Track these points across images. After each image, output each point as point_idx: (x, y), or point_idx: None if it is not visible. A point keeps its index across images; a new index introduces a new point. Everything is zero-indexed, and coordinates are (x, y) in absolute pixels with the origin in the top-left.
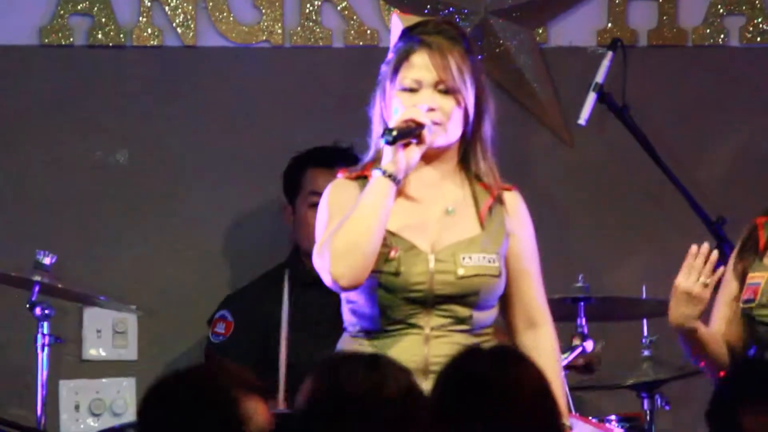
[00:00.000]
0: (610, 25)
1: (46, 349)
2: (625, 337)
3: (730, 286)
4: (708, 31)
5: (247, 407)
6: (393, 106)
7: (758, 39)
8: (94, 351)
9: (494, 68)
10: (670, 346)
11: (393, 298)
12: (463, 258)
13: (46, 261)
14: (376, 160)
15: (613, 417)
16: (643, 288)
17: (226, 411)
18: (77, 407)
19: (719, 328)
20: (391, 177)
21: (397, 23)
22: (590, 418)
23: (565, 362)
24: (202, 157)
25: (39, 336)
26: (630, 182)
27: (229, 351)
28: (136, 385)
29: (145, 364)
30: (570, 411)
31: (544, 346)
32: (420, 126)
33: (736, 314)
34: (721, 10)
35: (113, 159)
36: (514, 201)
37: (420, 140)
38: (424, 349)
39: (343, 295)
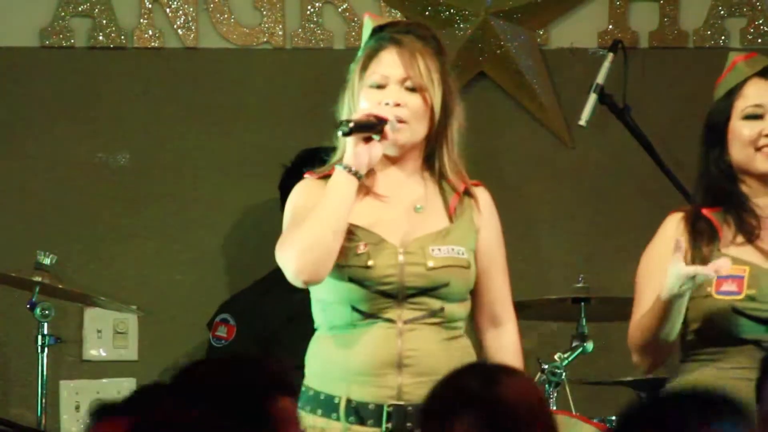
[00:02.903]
0: (611, 26)
1: (46, 349)
2: (626, 337)
3: None
4: (709, 32)
5: (281, 408)
6: (360, 103)
7: (759, 41)
8: (95, 351)
9: (495, 70)
10: None
11: (364, 292)
12: (432, 250)
13: (47, 261)
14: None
15: (613, 417)
16: None
17: (258, 409)
18: (78, 407)
19: None
20: (352, 171)
21: (368, 24)
22: (591, 418)
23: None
24: (202, 158)
25: (39, 336)
26: (631, 183)
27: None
28: (136, 386)
29: (146, 365)
30: (570, 411)
31: (507, 345)
32: (382, 121)
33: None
34: (722, 12)
35: (114, 160)
36: (483, 197)
37: (382, 136)
38: (397, 342)
39: (313, 294)
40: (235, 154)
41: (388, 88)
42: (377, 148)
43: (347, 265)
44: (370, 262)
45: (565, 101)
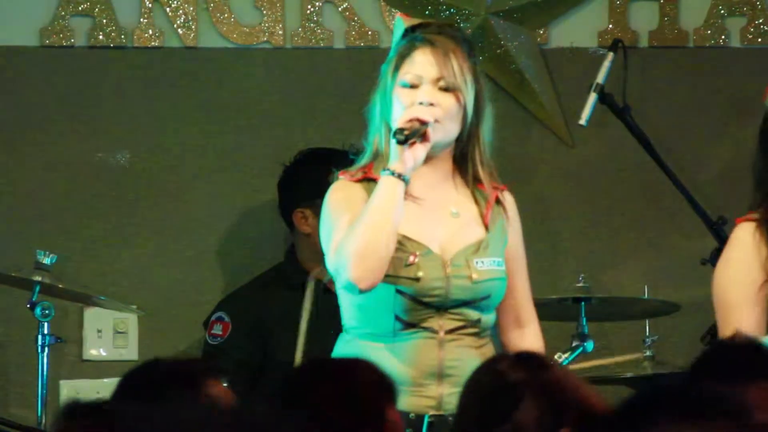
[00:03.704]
0: (611, 26)
1: (46, 349)
2: (627, 337)
3: (762, 284)
4: (709, 32)
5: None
6: (394, 103)
7: (759, 40)
8: (95, 351)
9: (495, 69)
10: (671, 346)
11: (409, 302)
12: (477, 262)
13: (47, 261)
14: (376, 161)
15: None
16: (645, 288)
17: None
18: None
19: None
20: (400, 177)
21: (399, 24)
22: None
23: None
24: (202, 157)
25: (39, 336)
26: (631, 182)
27: (227, 352)
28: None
29: None
30: None
31: (530, 345)
32: (424, 123)
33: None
34: (723, 11)
35: (114, 159)
36: (510, 202)
37: (425, 138)
38: (439, 353)
39: (350, 299)
40: (235, 154)
41: (422, 87)
42: (421, 151)
43: (396, 276)
44: (419, 274)
45: (565, 101)
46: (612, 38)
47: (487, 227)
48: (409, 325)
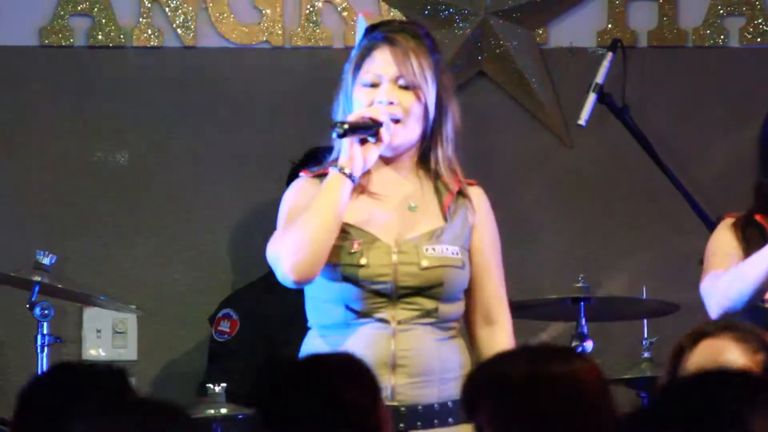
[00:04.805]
0: (610, 26)
1: (46, 349)
2: (625, 337)
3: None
4: (708, 31)
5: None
6: (354, 103)
7: (758, 40)
8: (94, 351)
9: (495, 69)
10: (670, 346)
11: (357, 290)
12: (426, 249)
13: (46, 261)
14: (337, 159)
15: None
16: (644, 288)
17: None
18: None
19: None
20: (347, 174)
21: (362, 24)
22: None
23: None
24: (202, 157)
25: (39, 336)
26: (630, 182)
27: (234, 349)
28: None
29: (145, 364)
30: None
31: (499, 343)
32: (377, 123)
33: None
34: (721, 11)
35: (113, 159)
36: (477, 196)
37: (378, 139)
38: (390, 342)
39: (307, 293)
40: (234, 153)
41: (381, 86)
42: (373, 152)
43: (340, 264)
44: (363, 261)
45: (564, 100)
46: (611, 38)
47: (445, 218)
48: (361, 315)
